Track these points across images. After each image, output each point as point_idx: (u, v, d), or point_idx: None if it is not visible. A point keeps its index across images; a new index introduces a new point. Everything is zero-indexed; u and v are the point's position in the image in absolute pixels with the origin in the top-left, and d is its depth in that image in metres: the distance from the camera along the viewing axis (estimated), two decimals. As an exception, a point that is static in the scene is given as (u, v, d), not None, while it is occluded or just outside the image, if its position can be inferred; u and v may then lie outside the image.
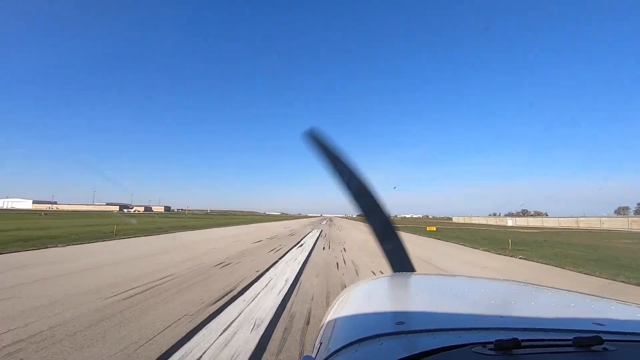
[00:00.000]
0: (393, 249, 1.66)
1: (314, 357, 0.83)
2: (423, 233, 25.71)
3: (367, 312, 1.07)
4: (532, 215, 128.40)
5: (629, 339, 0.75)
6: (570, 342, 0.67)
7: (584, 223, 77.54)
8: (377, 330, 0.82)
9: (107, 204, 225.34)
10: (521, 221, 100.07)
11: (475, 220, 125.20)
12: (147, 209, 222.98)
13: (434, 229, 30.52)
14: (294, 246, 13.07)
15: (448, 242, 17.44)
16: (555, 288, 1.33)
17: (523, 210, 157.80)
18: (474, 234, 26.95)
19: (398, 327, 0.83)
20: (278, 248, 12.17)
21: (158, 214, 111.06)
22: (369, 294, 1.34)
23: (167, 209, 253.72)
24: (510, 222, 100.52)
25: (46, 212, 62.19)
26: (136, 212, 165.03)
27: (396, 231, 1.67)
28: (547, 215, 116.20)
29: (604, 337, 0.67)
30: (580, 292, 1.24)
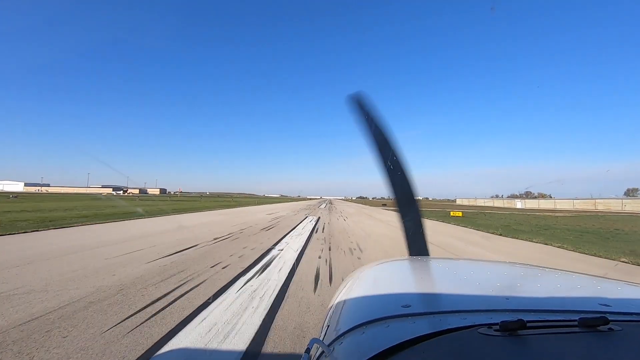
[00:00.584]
0: (414, 234, 1.68)
1: (321, 339, 0.83)
2: (451, 220, 19.70)
3: (373, 296, 1.07)
4: (535, 197, 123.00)
5: (634, 319, 0.75)
6: (576, 323, 0.68)
7: (602, 205, 71.95)
8: (384, 313, 0.83)
9: (102, 186, 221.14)
10: (531, 203, 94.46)
11: (480, 203, 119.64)
12: (142, 191, 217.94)
13: (460, 214, 24.49)
14: (254, 264, 6.08)
15: (521, 241, 11.28)
16: (561, 270, 1.32)
17: (527, 192, 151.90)
18: (515, 220, 20.98)
19: (404, 309, 0.83)
20: (202, 277, 4.99)
21: (140, 196, 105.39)
22: (375, 277, 1.31)
23: (163, 191, 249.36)
24: (519, 204, 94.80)
25: (15, 195, 56.02)
26: (129, 194, 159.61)
27: (421, 216, 1.68)
28: (551, 197, 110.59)
29: (610, 317, 0.68)
30: (586, 274, 1.22)
